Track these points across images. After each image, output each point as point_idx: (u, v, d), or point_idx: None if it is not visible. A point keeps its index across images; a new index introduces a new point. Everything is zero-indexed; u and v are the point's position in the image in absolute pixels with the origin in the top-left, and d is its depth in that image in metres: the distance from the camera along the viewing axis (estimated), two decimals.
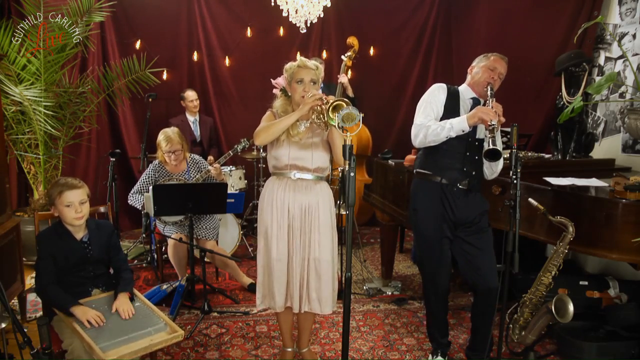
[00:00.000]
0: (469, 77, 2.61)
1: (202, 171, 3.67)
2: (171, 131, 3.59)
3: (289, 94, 2.49)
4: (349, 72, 5.00)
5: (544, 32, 4.74)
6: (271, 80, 2.62)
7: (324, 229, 2.45)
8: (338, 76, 4.71)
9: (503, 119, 2.38)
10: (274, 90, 2.61)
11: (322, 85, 4.80)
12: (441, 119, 2.52)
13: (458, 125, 2.41)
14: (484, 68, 2.52)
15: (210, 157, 4.82)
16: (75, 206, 2.25)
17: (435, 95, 2.57)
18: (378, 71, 5.55)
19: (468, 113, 2.43)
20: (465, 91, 2.59)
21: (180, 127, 4.93)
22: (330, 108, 2.14)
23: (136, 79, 4.52)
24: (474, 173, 2.53)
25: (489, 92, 2.45)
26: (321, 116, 2.31)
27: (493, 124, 2.31)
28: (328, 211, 2.48)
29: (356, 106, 5.07)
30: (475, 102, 2.55)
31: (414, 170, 2.69)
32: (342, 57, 4.70)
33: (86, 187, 2.33)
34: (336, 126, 2.18)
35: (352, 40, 4.75)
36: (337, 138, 2.37)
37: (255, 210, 4.95)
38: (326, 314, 2.52)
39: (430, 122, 2.50)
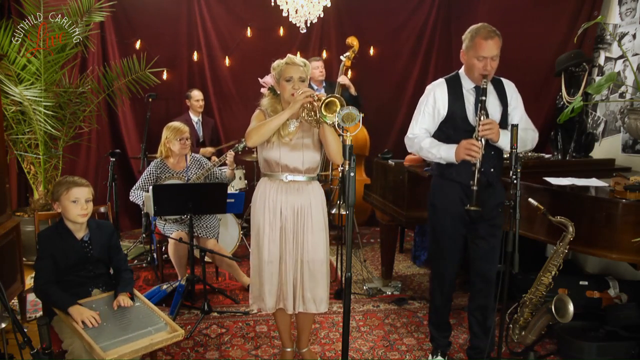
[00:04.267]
0: (463, 64, 2.50)
1: (203, 168, 3.70)
2: (176, 122, 3.73)
3: (278, 93, 2.48)
4: (349, 72, 5.00)
5: (544, 32, 4.74)
6: (259, 79, 2.62)
7: (317, 229, 2.45)
8: (339, 78, 4.69)
9: (496, 139, 2.35)
10: (262, 89, 2.60)
11: (324, 84, 4.82)
12: (446, 118, 2.48)
13: (447, 157, 2.42)
14: (473, 60, 2.39)
15: (214, 158, 4.83)
16: (81, 203, 2.28)
17: (431, 98, 2.51)
18: (378, 71, 5.55)
19: (456, 146, 2.38)
20: (464, 79, 2.50)
21: None
22: (323, 105, 2.09)
23: (136, 79, 4.52)
24: (492, 170, 2.48)
25: (479, 105, 2.36)
26: (312, 113, 2.27)
27: (476, 163, 2.30)
28: (320, 211, 2.48)
29: (361, 105, 5.01)
30: (478, 92, 2.43)
31: (432, 175, 2.67)
32: (341, 57, 4.67)
33: (92, 187, 2.37)
34: (330, 123, 2.15)
35: (352, 41, 4.68)
36: (329, 135, 2.32)
37: None
38: (321, 312, 2.52)
39: (423, 139, 2.49)
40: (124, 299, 2.26)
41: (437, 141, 2.49)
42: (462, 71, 2.52)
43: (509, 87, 2.55)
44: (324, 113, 2.10)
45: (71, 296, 2.21)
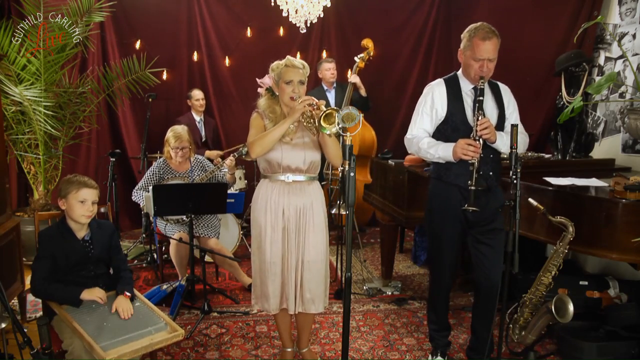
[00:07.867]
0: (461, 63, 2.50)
1: (206, 171, 3.71)
2: (181, 128, 3.66)
3: (276, 94, 2.49)
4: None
5: (544, 32, 4.74)
6: (257, 79, 2.62)
7: (318, 229, 2.46)
8: (348, 76, 4.69)
9: (493, 139, 2.34)
10: (259, 89, 2.61)
11: (334, 85, 4.84)
12: (445, 119, 2.48)
13: (445, 156, 2.41)
14: (470, 60, 2.38)
15: (218, 159, 4.83)
16: (88, 204, 2.31)
17: (429, 98, 2.51)
18: (378, 71, 5.54)
19: (454, 145, 2.36)
20: (462, 80, 2.50)
21: (188, 125, 4.95)
22: (322, 118, 2.15)
23: (136, 79, 4.52)
24: (491, 173, 2.46)
25: (476, 105, 2.35)
26: (311, 120, 2.34)
27: (474, 162, 2.29)
28: (321, 211, 2.49)
29: (369, 106, 5.01)
30: (476, 93, 2.42)
31: (430, 177, 2.66)
32: (355, 58, 4.66)
33: (98, 190, 2.40)
34: (328, 134, 2.23)
35: (367, 42, 4.67)
36: (327, 139, 2.37)
37: None
38: (319, 312, 2.52)
39: (422, 139, 2.48)
40: (122, 306, 2.22)
41: (436, 141, 2.48)
42: (460, 72, 2.53)
43: (505, 91, 2.56)
44: (323, 125, 2.16)
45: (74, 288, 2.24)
